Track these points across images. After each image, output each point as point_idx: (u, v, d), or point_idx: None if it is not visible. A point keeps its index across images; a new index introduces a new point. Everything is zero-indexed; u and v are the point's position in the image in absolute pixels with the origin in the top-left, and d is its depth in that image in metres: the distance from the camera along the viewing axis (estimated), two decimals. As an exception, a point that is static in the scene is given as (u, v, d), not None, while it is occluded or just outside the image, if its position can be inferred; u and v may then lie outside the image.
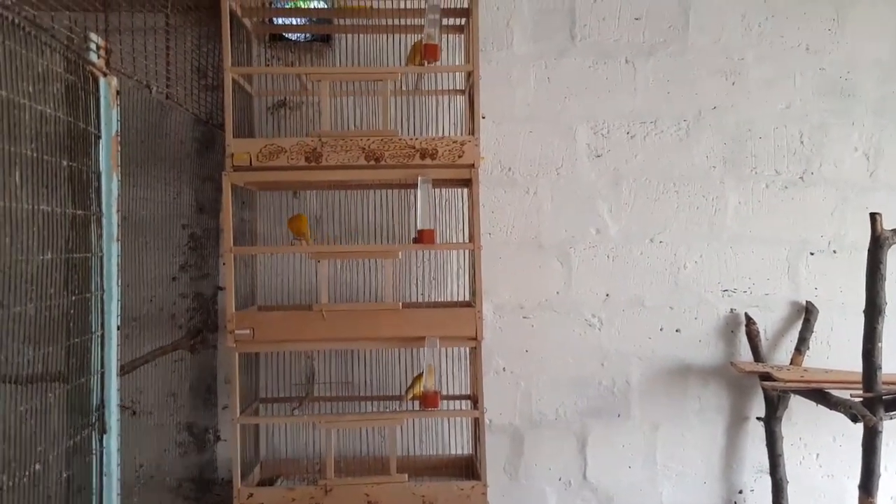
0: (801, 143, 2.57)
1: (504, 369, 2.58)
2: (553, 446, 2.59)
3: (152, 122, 1.98)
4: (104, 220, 1.55)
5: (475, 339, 2.14)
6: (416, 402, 2.20)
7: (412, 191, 2.45)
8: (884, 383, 1.98)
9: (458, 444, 2.52)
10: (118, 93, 1.58)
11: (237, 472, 2.13)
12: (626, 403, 2.59)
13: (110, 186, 1.56)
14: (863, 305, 2.01)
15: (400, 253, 2.28)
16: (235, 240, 2.17)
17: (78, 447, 1.49)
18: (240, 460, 2.15)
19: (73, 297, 1.45)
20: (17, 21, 1.22)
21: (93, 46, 1.50)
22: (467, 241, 2.42)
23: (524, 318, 2.57)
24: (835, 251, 2.58)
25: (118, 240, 1.58)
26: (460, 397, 2.49)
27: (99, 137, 1.53)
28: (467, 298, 2.51)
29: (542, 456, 2.59)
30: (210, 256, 2.46)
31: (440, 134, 2.52)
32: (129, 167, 1.88)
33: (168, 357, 2.22)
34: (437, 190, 2.51)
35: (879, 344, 1.97)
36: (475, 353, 2.22)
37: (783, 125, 2.57)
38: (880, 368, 1.97)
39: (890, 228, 1.95)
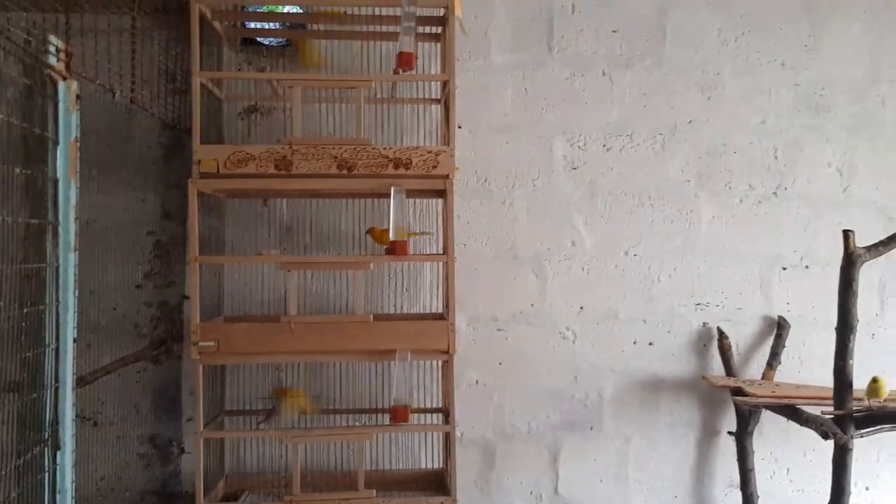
0: (776, 158, 2.58)
1: (477, 382, 2.54)
2: (525, 460, 2.56)
3: (116, 126, 1.93)
4: (61, 229, 1.49)
5: (447, 352, 2.10)
6: (386, 415, 2.15)
7: (385, 200, 2.41)
8: (855, 399, 1.98)
9: (429, 458, 2.47)
10: (78, 97, 1.53)
11: (200, 486, 2.08)
12: (599, 417, 2.57)
13: (68, 194, 1.51)
14: (834, 321, 2.00)
15: (372, 264, 2.24)
16: (202, 248, 2.11)
17: (29, 464, 1.43)
18: (203, 474, 2.09)
19: (26, 310, 1.40)
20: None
21: (52, 49, 1.45)
22: (441, 252, 2.38)
23: (498, 330, 2.54)
24: (807, 266, 2.58)
25: (76, 249, 1.53)
26: (432, 410, 2.45)
27: (56, 143, 1.48)
28: (441, 310, 2.47)
29: (513, 469, 2.56)
30: (176, 264, 2.40)
31: (415, 144, 2.48)
32: (92, 172, 1.83)
33: (131, 367, 2.16)
34: (411, 200, 2.47)
35: (851, 361, 1.96)
36: (447, 367, 2.18)
37: (758, 140, 2.57)
38: (851, 385, 1.97)
39: (862, 246, 1.95)
